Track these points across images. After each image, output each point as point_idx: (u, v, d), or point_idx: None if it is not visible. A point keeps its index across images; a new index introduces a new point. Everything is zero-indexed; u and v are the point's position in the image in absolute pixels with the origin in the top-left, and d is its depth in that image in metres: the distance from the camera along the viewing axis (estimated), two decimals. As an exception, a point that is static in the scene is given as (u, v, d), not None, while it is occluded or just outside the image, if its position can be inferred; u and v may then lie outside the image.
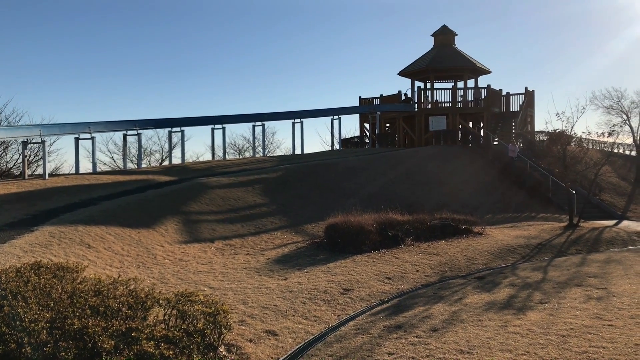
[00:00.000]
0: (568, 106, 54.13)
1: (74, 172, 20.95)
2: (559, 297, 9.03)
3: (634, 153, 33.99)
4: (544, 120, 77.18)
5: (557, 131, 19.69)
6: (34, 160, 26.74)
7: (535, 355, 6.24)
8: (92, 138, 20.67)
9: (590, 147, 27.49)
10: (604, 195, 24.69)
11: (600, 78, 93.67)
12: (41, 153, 22.52)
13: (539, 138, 30.57)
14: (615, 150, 33.17)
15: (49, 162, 23.90)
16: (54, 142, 31.96)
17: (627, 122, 31.09)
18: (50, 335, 5.22)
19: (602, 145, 32.31)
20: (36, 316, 5.42)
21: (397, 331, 7.39)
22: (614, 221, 20.02)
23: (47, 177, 18.37)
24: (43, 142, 18.98)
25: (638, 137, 31.28)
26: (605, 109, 32.88)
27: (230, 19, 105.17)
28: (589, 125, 64.70)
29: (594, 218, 20.13)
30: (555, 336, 6.89)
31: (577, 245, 14.81)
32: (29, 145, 20.31)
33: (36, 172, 25.14)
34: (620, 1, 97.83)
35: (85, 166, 24.85)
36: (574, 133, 19.62)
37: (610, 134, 21.98)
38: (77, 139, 20.40)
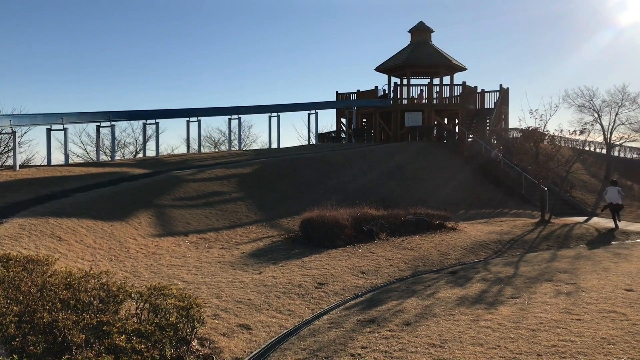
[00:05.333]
0: (541, 104, 54.81)
1: (46, 163, 20.58)
2: (529, 292, 9.18)
3: (604, 151, 34.66)
4: (518, 118, 78.14)
5: (530, 128, 19.92)
6: (4, 151, 26.27)
7: (505, 349, 6.34)
8: (65, 129, 20.31)
9: (563, 145, 27.97)
10: (575, 192, 25.15)
11: (574, 79, 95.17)
12: (12, 144, 22.04)
13: (513, 135, 30.95)
14: (587, 148, 33.77)
15: (19, 153, 23.41)
16: (25, 133, 31.48)
17: (598, 120, 31.72)
18: (18, 329, 5.13)
19: (574, 143, 32.86)
20: (4, 309, 5.33)
21: (371, 325, 7.44)
22: (584, 218, 20.39)
23: (17, 168, 18.02)
24: (14, 132, 18.58)
25: (608, 136, 31.92)
26: (578, 107, 33.47)
27: (206, 14, 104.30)
28: (562, 123, 65.82)
29: (565, 214, 20.47)
30: (526, 330, 7.00)
31: (548, 241, 15.05)
32: (-1, 136, 19.88)
33: (6, 164, 24.66)
34: (593, 5, 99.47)
35: (58, 158, 24.35)
36: (547, 130, 19.90)
37: (581, 132, 22.35)
38: (49, 130, 20.02)
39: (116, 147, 26.44)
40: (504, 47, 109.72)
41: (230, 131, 29.92)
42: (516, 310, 8.05)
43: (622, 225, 18.21)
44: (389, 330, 7.16)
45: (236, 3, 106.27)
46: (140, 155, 34.08)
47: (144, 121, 25.19)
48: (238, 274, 10.42)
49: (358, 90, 34.62)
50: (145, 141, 28.44)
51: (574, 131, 22.24)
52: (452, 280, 10.36)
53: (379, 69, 34.97)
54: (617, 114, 31.89)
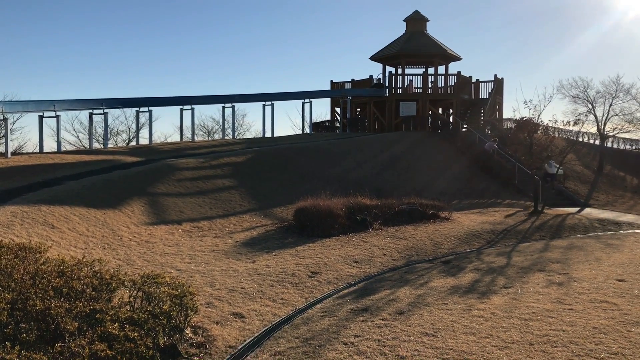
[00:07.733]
0: (535, 95, 54.83)
1: (38, 151, 20.42)
2: (522, 282, 9.23)
3: (597, 142, 34.71)
4: (512, 108, 78.18)
5: (524, 119, 19.93)
6: (-5, 138, 26.01)
7: (498, 338, 6.38)
8: (57, 116, 20.14)
9: (556, 135, 27.96)
10: (568, 182, 25.21)
11: (568, 73, 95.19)
12: (3, 131, 21.90)
13: (507, 125, 30.92)
14: (580, 139, 33.79)
15: (11, 140, 23.26)
16: (17, 119, 31.26)
17: (592, 111, 31.68)
18: (11, 316, 5.11)
19: (568, 133, 32.87)
20: (-4, 297, 5.30)
21: (364, 314, 7.46)
22: (577, 208, 20.48)
23: (9, 155, 17.87)
24: (5, 119, 18.44)
25: (602, 127, 31.96)
26: (572, 98, 33.42)
27: (201, 2, 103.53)
28: (556, 114, 65.75)
29: (558, 205, 20.55)
30: (518, 320, 7.04)
31: (540, 231, 15.12)
32: (-9, 123, 19.71)
33: (-2, 151, 24.44)
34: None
35: (50, 145, 24.16)
36: (541, 121, 19.89)
37: (575, 123, 22.33)
38: (41, 117, 19.84)
39: (109, 135, 26.22)
40: (498, 40, 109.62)
41: (224, 120, 29.74)
42: (508, 299, 8.09)
43: (613, 215, 18.39)
44: (382, 319, 7.19)
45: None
46: (133, 143, 33.91)
47: (137, 109, 24.99)
48: (232, 263, 10.42)
49: (353, 80, 34.50)
50: (138, 129, 28.31)
51: (568, 122, 22.24)
52: (445, 269, 10.40)
53: (374, 58, 34.84)
54: (611, 105, 31.90)
